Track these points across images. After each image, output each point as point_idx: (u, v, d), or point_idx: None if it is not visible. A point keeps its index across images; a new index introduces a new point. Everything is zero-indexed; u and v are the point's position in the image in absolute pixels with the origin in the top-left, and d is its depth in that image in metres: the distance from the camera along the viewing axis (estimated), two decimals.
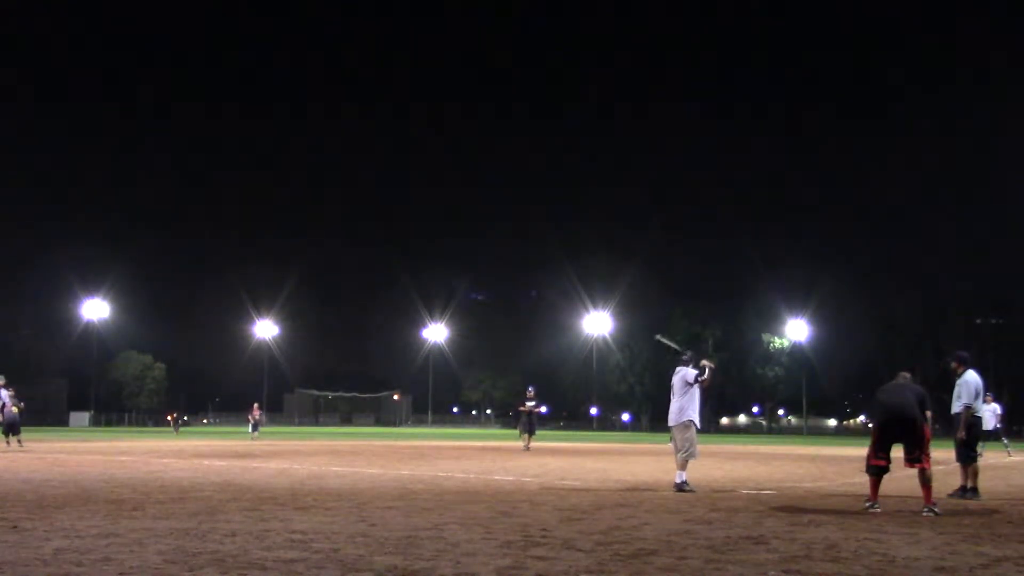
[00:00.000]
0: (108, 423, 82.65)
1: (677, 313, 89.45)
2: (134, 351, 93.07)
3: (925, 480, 8.52)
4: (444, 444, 29.67)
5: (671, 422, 10.96)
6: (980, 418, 10.64)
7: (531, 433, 24.66)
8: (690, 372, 10.88)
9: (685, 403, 10.81)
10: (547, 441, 36.77)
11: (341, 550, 5.77)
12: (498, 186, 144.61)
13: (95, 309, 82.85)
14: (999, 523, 7.97)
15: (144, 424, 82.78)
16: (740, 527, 7.22)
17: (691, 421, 10.73)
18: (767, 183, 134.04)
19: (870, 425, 8.73)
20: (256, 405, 37.89)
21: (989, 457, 20.45)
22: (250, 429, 35.27)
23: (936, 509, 8.33)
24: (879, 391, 9.02)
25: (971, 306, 75.40)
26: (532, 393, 25.25)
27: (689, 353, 11.18)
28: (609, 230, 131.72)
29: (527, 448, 23.99)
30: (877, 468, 8.76)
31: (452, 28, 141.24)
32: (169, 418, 66.92)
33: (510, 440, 24.85)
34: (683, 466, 10.73)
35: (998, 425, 21.63)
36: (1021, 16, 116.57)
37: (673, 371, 11.14)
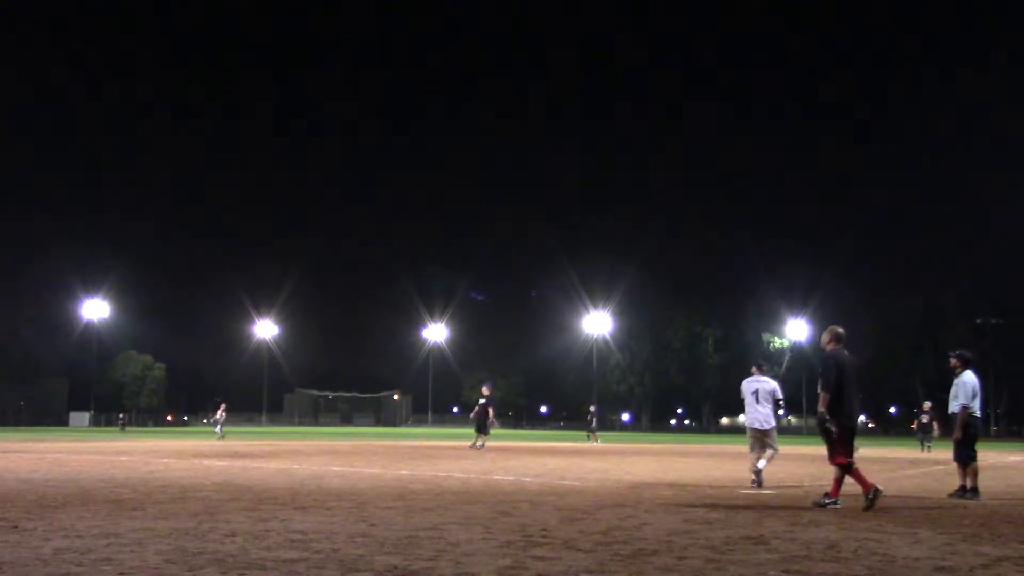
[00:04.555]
0: (108, 423, 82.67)
1: (677, 313, 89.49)
2: (134, 351, 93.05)
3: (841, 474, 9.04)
4: (444, 444, 29.64)
5: (764, 426, 11.61)
6: (978, 418, 10.64)
7: (483, 432, 24.21)
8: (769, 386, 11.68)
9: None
10: (547, 441, 36.79)
11: (341, 550, 5.77)
12: (498, 186, 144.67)
13: (95, 309, 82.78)
14: (999, 523, 7.97)
15: (144, 424, 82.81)
16: (740, 527, 7.22)
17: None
18: (767, 183, 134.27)
19: (834, 428, 8.96)
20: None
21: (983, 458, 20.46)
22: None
23: (839, 503, 8.84)
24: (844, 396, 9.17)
25: (971, 306, 75.38)
26: (487, 391, 25.14)
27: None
28: (609, 230, 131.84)
29: (480, 447, 23.56)
30: (849, 465, 9.05)
31: (453, 27, 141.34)
32: (169, 417, 67.04)
33: (510, 440, 24.81)
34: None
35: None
36: (1020, 15, 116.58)
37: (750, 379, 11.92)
